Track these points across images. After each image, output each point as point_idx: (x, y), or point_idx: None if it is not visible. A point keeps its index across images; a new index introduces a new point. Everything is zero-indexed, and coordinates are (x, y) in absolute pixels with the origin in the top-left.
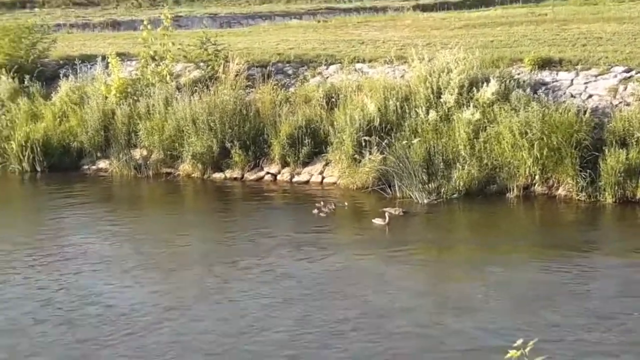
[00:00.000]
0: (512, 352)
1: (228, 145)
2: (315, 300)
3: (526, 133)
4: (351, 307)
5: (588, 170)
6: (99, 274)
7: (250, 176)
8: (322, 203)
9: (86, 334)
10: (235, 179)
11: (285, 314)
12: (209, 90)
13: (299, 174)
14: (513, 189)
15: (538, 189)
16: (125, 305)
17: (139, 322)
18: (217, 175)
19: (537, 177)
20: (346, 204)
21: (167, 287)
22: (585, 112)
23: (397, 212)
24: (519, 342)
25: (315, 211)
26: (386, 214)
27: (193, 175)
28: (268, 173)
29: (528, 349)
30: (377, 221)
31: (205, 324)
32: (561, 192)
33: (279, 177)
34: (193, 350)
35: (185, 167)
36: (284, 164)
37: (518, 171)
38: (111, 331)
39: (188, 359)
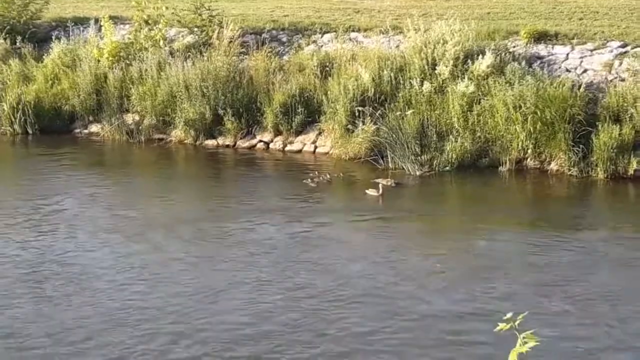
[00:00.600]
0: (501, 325)
1: (221, 112)
2: (280, 266)
3: (520, 107)
4: (317, 274)
5: (581, 146)
6: (74, 235)
7: (243, 144)
8: (316, 173)
9: (50, 292)
10: (227, 146)
11: (247, 278)
12: (203, 56)
13: (291, 142)
14: (505, 163)
15: (530, 163)
16: (93, 265)
17: (106, 282)
18: (209, 142)
19: (529, 151)
20: (341, 174)
21: (137, 249)
22: (579, 86)
23: (389, 184)
24: (509, 315)
25: (308, 180)
26: (380, 185)
27: (185, 141)
28: (261, 141)
29: (518, 322)
30: (371, 192)
31: (167, 286)
32: (553, 166)
33: (271, 145)
34: (152, 310)
35: (177, 133)
36: (277, 133)
37: (511, 145)
38: (76, 290)
39: (147, 318)
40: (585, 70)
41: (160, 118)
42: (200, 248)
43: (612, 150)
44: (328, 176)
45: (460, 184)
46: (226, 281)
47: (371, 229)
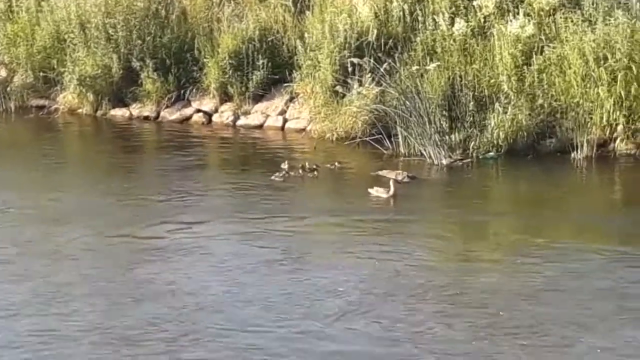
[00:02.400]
0: None
1: (136, 65)
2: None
3: (606, 59)
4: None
5: None
6: None
7: (171, 115)
8: (286, 164)
9: None
10: (146, 118)
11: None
12: None
13: (247, 113)
14: (582, 146)
15: (621, 146)
16: None
17: None
18: (118, 113)
19: (620, 127)
20: (337, 164)
21: None
22: None
23: (400, 178)
24: None
25: (276, 175)
26: (391, 182)
27: (79, 110)
28: (199, 111)
29: None
30: (377, 192)
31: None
32: None
33: (215, 117)
34: None
35: (67, 98)
36: (224, 98)
37: (591, 118)
38: None
39: None
40: None
41: (41, 74)
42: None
43: None
44: (307, 167)
45: (511, 180)
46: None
47: (378, 254)
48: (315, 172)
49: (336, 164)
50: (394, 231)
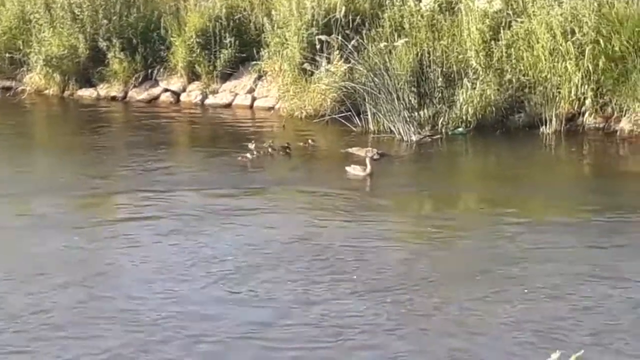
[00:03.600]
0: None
1: (103, 45)
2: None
3: (573, 33)
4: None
5: None
6: None
7: (138, 94)
8: (253, 144)
9: None
10: (113, 98)
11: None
12: None
13: (215, 92)
14: (551, 121)
15: (589, 120)
16: None
17: None
18: (85, 93)
19: (588, 101)
20: (310, 142)
21: None
22: None
23: (371, 155)
24: (556, 355)
25: (244, 156)
26: (367, 160)
27: (46, 91)
28: (167, 90)
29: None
30: (354, 170)
31: None
32: (625, 125)
33: (183, 96)
34: None
35: (33, 78)
36: (192, 77)
37: (559, 93)
38: None
39: None
40: None
41: (6, 55)
42: None
43: None
44: (277, 146)
45: (480, 155)
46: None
47: (356, 233)
48: (288, 150)
49: (309, 141)
50: (367, 208)
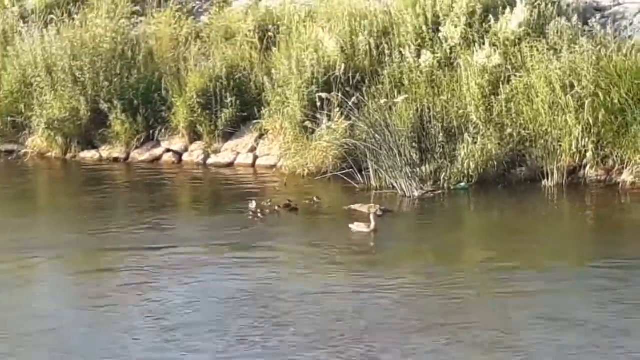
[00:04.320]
0: None
1: (104, 107)
2: None
3: (572, 86)
4: None
5: None
6: None
7: (141, 155)
8: (253, 203)
9: None
10: (116, 159)
11: None
12: (73, 19)
13: (217, 152)
14: (552, 174)
15: (591, 173)
16: None
17: None
18: (87, 155)
19: (589, 154)
20: (316, 199)
21: None
22: None
23: (374, 211)
24: None
25: (250, 211)
26: (371, 216)
27: (49, 154)
28: (169, 150)
29: None
30: (358, 227)
31: None
32: (626, 177)
33: (185, 156)
34: None
35: (36, 141)
36: (194, 137)
37: (560, 146)
38: None
39: None
40: None
41: (9, 119)
42: None
43: None
44: (280, 205)
45: (483, 210)
46: None
47: (362, 293)
48: (294, 207)
49: (315, 199)
50: (373, 264)
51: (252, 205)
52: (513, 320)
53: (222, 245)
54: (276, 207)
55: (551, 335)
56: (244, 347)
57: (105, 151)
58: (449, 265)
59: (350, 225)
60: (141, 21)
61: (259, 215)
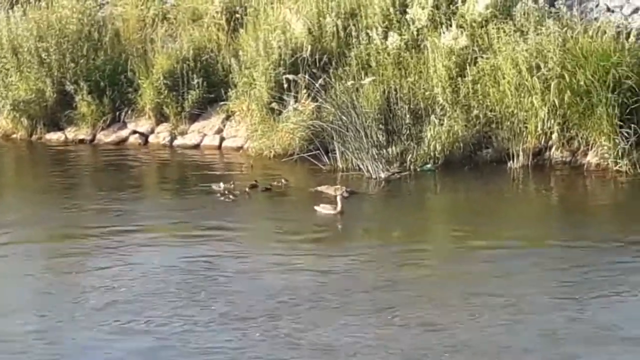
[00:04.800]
0: None
1: (70, 88)
2: None
3: (538, 68)
4: None
5: (632, 126)
6: None
7: (107, 137)
8: (221, 185)
9: None
10: (82, 141)
11: None
12: (39, 1)
13: (184, 133)
14: (518, 155)
15: (556, 154)
16: None
17: None
18: (53, 136)
19: (554, 136)
20: (284, 181)
21: None
22: (628, 34)
23: (339, 193)
24: None
25: (218, 192)
26: (338, 198)
27: (14, 135)
28: (135, 132)
29: None
30: (324, 209)
31: None
32: (591, 159)
33: (151, 138)
34: None
35: (1, 123)
36: (160, 119)
37: (526, 128)
38: None
39: None
40: (636, 10)
41: None
42: None
43: None
44: (249, 185)
45: (449, 191)
46: None
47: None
48: (268, 188)
49: (283, 181)
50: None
51: (220, 186)
52: (450, 299)
53: (182, 224)
54: (246, 189)
55: (483, 316)
56: (176, 323)
57: (71, 133)
58: (408, 245)
59: (316, 207)
60: (107, 2)
61: (231, 196)
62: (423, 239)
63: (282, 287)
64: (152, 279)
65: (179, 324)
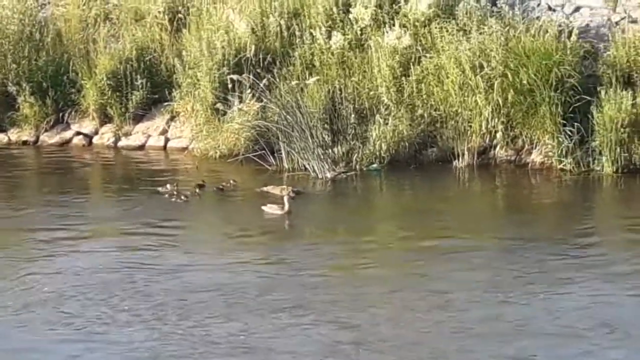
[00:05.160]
0: None
1: (12, 89)
2: None
3: (482, 67)
4: None
5: (576, 124)
6: None
7: (50, 138)
8: (168, 187)
9: None
10: (25, 142)
11: None
12: None
13: (128, 134)
14: (463, 155)
15: (500, 153)
16: None
17: None
18: None
19: (498, 135)
20: (232, 181)
21: None
22: (570, 33)
23: (286, 193)
24: None
25: (166, 193)
26: (285, 199)
27: None
28: (79, 133)
29: None
30: (271, 209)
31: None
32: (535, 157)
33: (95, 139)
34: None
35: None
36: (104, 119)
37: (470, 127)
38: None
39: None
40: (577, 9)
41: None
42: None
43: (622, 130)
44: (194, 185)
45: (395, 190)
46: None
47: (274, 274)
48: (220, 189)
49: (231, 181)
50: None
51: (167, 187)
52: (372, 298)
53: (125, 225)
54: (196, 190)
55: (402, 314)
56: (98, 320)
57: (14, 134)
58: (350, 245)
59: (263, 207)
60: (49, 2)
61: (182, 197)
62: (366, 238)
63: (210, 284)
64: (82, 278)
65: (98, 323)
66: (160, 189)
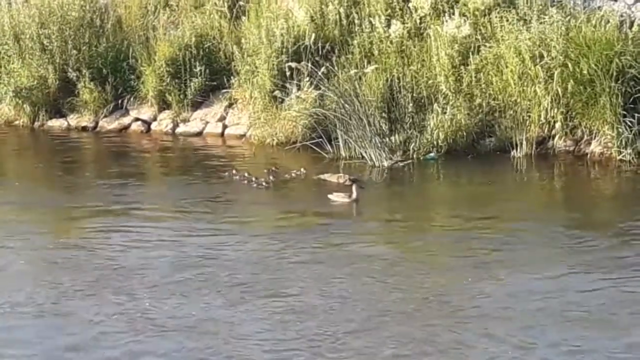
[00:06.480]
0: None
1: (72, 75)
2: None
3: (541, 57)
4: None
5: (636, 115)
6: None
7: (109, 124)
8: (233, 171)
9: None
10: (84, 128)
11: None
12: None
13: (186, 121)
14: (521, 144)
15: (559, 143)
16: None
17: None
18: (55, 123)
19: (557, 125)
20: (303, 170)
21: None
22: (632, 24)
23: (341, 181)
24: None
25: (229, 175)
26: (353, 187)
27: (16, 122)
28: (137, 120)
29: None
30: (337, 197)
31: None
32: (595, 148)
33: (154, 125)
34: None
35: (3, 110)
36: (163, 106)
37: (529, 117)
38: None
39: None
40: None
41: None
42: None
43: None
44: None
45: (451, 180)
46: None
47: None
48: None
49: (302, 170)
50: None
51: (234, 172)
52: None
53: (181, 212)
54: (270, 177)
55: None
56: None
57: (73, 120)
58: (402, 232)
59: (329, 196)
60: None
61: (263, 183)
62: (417, 226)
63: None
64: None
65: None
66: (228, 174)
